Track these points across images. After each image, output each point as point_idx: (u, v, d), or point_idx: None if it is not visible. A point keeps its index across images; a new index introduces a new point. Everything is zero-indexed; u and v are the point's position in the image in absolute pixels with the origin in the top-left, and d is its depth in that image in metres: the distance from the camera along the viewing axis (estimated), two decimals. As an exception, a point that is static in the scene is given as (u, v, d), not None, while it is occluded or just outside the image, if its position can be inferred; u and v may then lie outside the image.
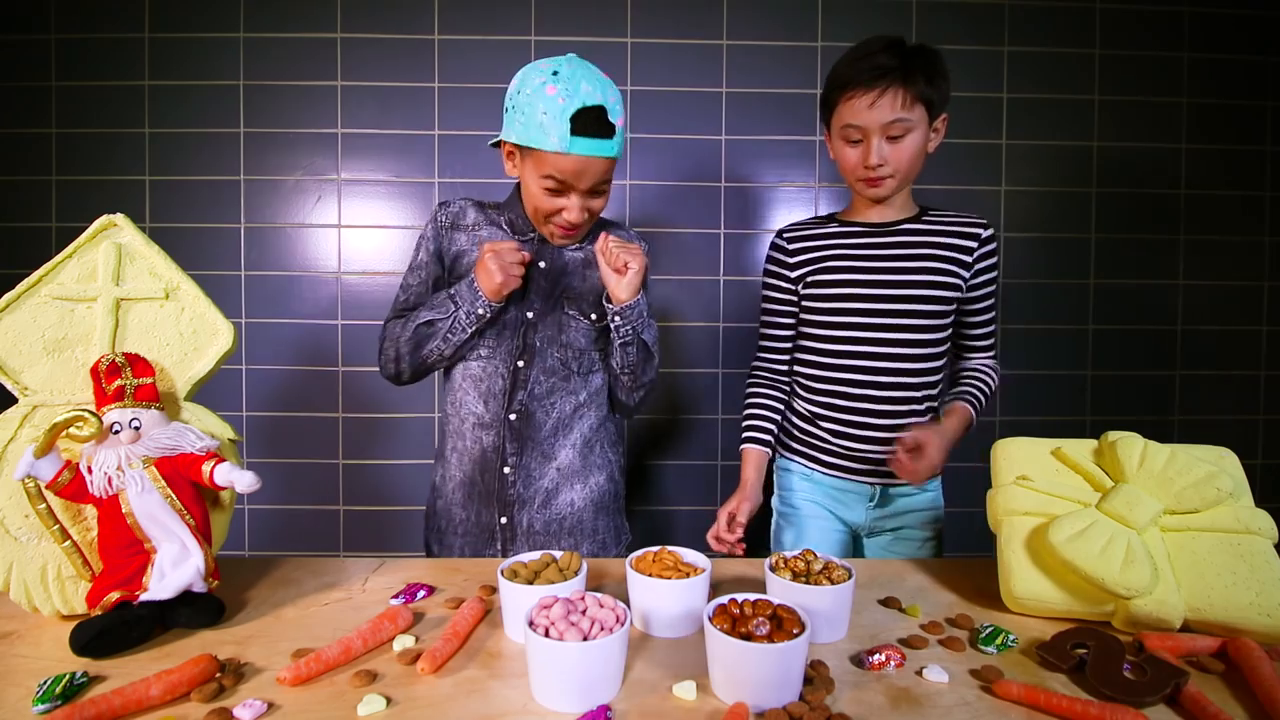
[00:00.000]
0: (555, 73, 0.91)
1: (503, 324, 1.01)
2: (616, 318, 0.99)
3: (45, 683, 0.57)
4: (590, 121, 0.89)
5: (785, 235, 1.19)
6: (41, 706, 0.55)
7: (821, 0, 1.72)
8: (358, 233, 1.72)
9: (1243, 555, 0.72)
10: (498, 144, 1.01)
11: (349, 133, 1.71)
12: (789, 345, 1.20)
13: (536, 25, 1.70)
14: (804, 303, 1.16)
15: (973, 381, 1.13)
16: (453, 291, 0.98)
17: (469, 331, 0.98)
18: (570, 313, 1.03)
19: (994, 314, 1.15)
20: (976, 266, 1.10)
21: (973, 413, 1.10)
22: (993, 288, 1.13)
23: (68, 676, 0.59)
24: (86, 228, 0.77)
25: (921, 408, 1.11)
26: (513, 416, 1.01)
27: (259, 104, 1.70)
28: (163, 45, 1.69)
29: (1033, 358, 1.78)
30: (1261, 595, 0.68)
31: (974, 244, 1.09)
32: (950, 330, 1.13)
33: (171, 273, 0.79)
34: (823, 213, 1.74)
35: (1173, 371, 1.80)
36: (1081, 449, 0.84)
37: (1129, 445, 0.79)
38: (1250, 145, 1.77)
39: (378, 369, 1.08)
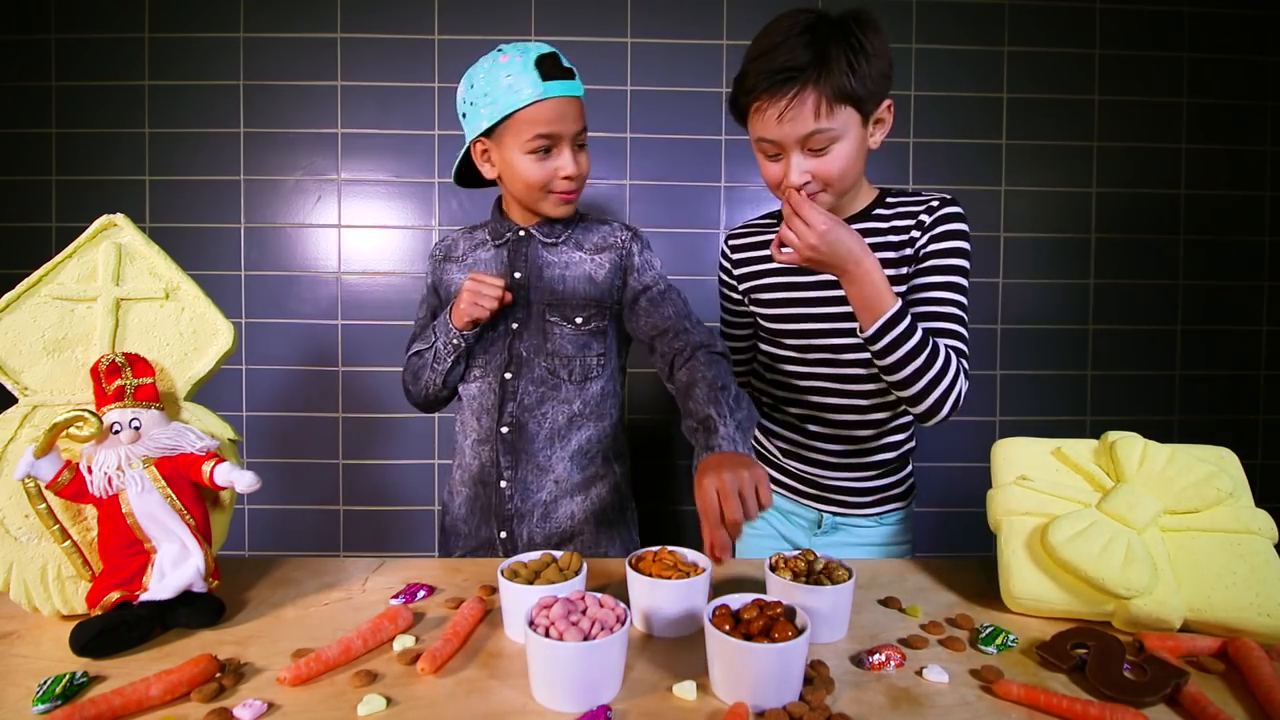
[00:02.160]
0: (499, 50, 0.94)
1: (490, 339, 1.01)
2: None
3: (45, 683, 0.57)
4: (553, 65, 0.91)
5: (729, 243, 1.10)
6: (41, 706, 0.55)
7: (821, 1, 1.72)
8: (358, 233, 1.72)
9: (1243, 555, 0.72)
10: (463, 158, 1.01)
11: (349, 133, 1.71)
12: (747, 355, 1.14)
13: (536, 25, 1.70)
14: (755, 316, 1.08)
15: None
16: (436, 323, 1.00)
17: (449, 361, 0.99)
18: (552, 319, 1.00)
19: (948, 310, 0.89)
20: (925, 249, 0.90)
21: (896, 303, 0.81)
22: (942, 277, 0.89)
23: (68, 676, 0.59)
24: (86, 228, 0.77)
25: (874, 432, 1.00)
26: (504, 429, 0.99)
27: (259, 104, 1.70)
28: (163, 45, 1.69)
29: (1033, 358, 1.78)
30: (1261, 595, 0.68)
31: (917, 232, 0.91)
32: None
33: (171, 273, 0.79)
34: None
35: (1173, 371, 1.80)
36: (1081, 449, 0.84)
37: (1129, 445, 0.79)
38: (1250, 145, 1.77)
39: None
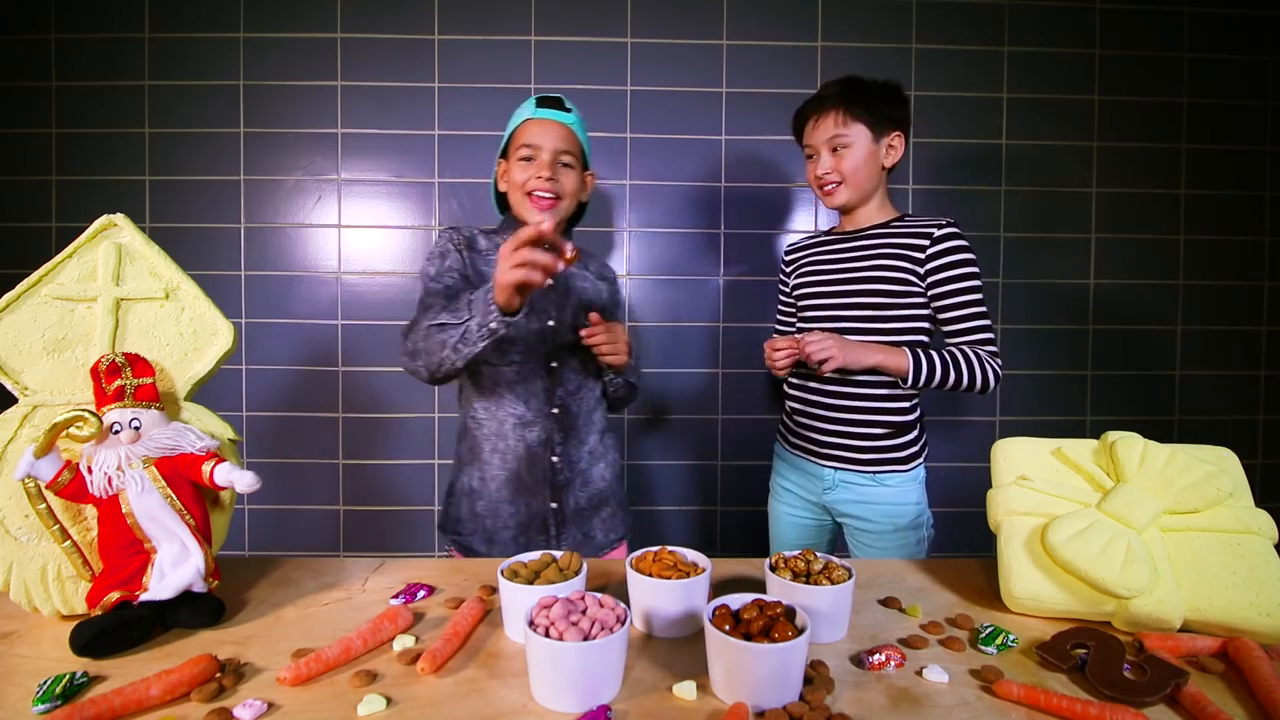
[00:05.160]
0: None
1: (530, 334, 1.12)
2: (612, 374, 1.18)
3: (45, 683, 0.57)
4: (550, 101, 1.15)
5: (786, 250, 1.41)
6: (41, 706, 0.55)
7: (821, 0, 1.72)
8: (358, 233, 1.72)
9: (1243, 555, 0.72)
10: (495, 186, 1.22)
11: (349, 133, 1.71)
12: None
13: (536, 25, 1.70)
14: (796, 303, 1.34)
15: (939, 348, 1.16)
16: (472, 297, 0.95)
17: (478, 346, 0.94)
18: (585, 321, 1.13)
19: (975, 311, 1.15)
20: (929, 265, 1.17)
21: (908, 353, 1.13)
22: (962, 284, 1.15)
23: (68, 676, 0.59)
24: (86, 228, 0.77)
25: (874, 392, 1.19)
26: (555, 410, 1.13)
27: (259, 104, 1.70)
28: (163, 45, 1.69)
29: (1033, 358, 1.78)
30: (1261, 595, 0.68)
31: (925, 241, 1.17)
32: (908, 324, 1.19)
33: (171, 273, 0.79)
34: (823, 213, 1.76)
35: (1173, 371, 1.80)
36: (1081, 449, 0.84)
37: (1129, 445, 0.79)
38: (1250, 145, 1.77)
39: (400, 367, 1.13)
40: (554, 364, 1.13)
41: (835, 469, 1.23)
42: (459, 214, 1.72)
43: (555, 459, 1.13)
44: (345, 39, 1.69)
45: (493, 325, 0.91)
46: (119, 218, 0.78)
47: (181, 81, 1.69)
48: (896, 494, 1.21)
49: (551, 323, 1.14)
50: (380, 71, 1.70)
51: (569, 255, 0.88)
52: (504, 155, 1.18)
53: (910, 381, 1.14)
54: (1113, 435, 0.82)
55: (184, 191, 1.70)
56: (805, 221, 1.76)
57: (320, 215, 1.72)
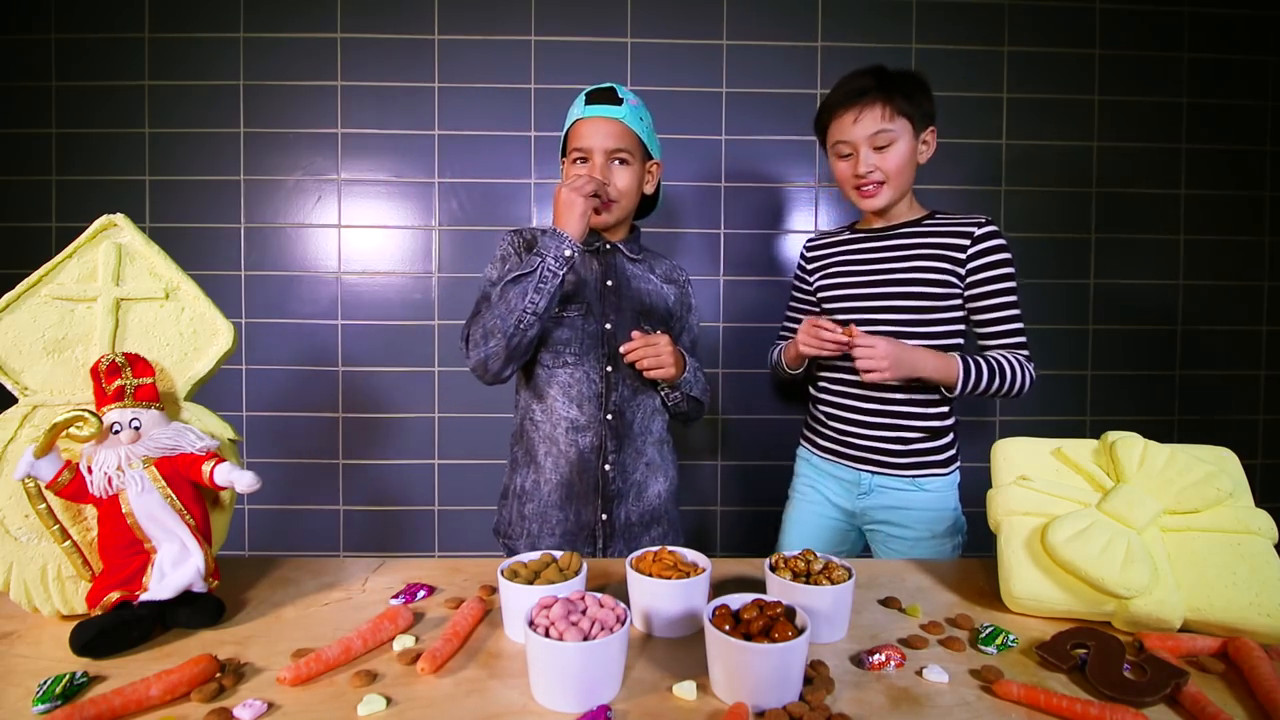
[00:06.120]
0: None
1: (585, 334, 1.10)
2: (667, 389, 1.13)
3: (45, 683, 0.57)
4: (601, 95, 1.10)
5: (807, 247, 1.36)
6: (41, 706, 0.55)
7: (821, 0, 1.72)
8: (358, 233, 1.72)
9: (1243, 555, 0.72)
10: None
11: (349, 133, 1.71)
12: None
13: (536, 25, 1.70)
14: (820, 303, 1.29)
15: (983, 355, 1.13)
16: (539, 244, 1.02)
17: (559, 277, 0.99)
18: (645, 328, 1.11)
19: (1013, 314, 1.14)
20: (971, 264, 1.14)
21: (959, 362, 1.10)
22: (1002, 285, 1.13)
23: (68, 676, 0.59)
24: (86, 228, 0.77)
25: (910, 395, 1.16)
26: (609, 417, 1.10)
27: (259, 104, 1.70)
28: (163, 45, 1.69)
29: (1033, 357, 1.77)
30: (1261, 595, 0.68)
31: (966, 241, 1.13)
32: (948, 326, 1.16)
33: (171, 273, 0.79)
34: (823, 213, 1.76)
35: (1173, 371, 1.80)
36: (1081, 449, 0.84)
37: (1129, 445, 0.79)
38: (1250, 145, 1.77)
39: (468, 369, 1.07)
40: (609, 368, 1.10)
41: (873, 473, 1.18)
42: (459, 214, 1.72)
43: (608, 467, 1.09)
44: (345, 39, 1.69)
45: (567, 252, 0.99)
46: (119, 218, 0.78)
47: (181, 81, 1.69)
48: (936, 499, 1.16)
49: (609, 325, 1.11)
50: (380, 71, 1.70)
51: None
52: (563, 154, 1.15)
53: (958, 391, 1.11)
54: (1113, 435, 0.82)
55: (184, 191, 1.70)
56: (805, 221, 1.76)
57: (320, 215, 1.72)
